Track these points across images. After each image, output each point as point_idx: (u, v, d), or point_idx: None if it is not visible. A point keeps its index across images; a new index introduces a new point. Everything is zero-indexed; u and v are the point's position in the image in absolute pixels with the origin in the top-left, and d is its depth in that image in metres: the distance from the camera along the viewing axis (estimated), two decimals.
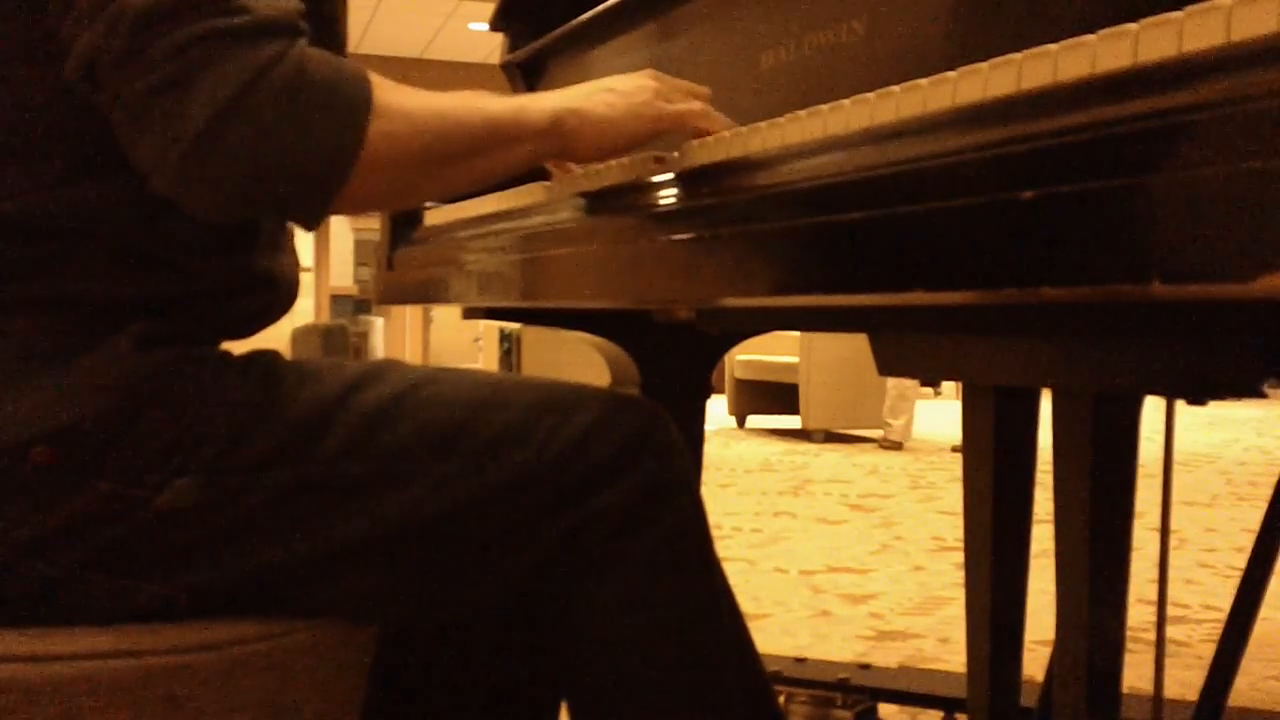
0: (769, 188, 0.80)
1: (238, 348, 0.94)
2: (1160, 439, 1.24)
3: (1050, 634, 0.95)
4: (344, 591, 0.91)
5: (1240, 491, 4.94)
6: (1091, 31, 0.60)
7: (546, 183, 1.15)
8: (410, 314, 11.92)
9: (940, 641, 2.51)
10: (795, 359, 6.93)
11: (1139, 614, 1.25)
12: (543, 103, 0.94)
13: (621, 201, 0.99)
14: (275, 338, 0.88)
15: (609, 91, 0.96)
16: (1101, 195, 0.55)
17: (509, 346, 8.81)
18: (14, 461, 0.82)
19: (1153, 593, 1.23)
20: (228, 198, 0.81)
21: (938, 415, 8.74)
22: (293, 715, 0.89)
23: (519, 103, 0.95)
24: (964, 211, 0.62)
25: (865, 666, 1.77)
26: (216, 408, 0.87)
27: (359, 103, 0.81)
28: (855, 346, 6.29)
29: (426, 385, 0.93)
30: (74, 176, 0.86)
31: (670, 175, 0.94)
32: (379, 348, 11.17)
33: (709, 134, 0.95)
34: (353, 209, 0.88)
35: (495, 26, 1.63)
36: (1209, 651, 1.19)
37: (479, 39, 10.86)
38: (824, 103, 0.79)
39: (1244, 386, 0.77)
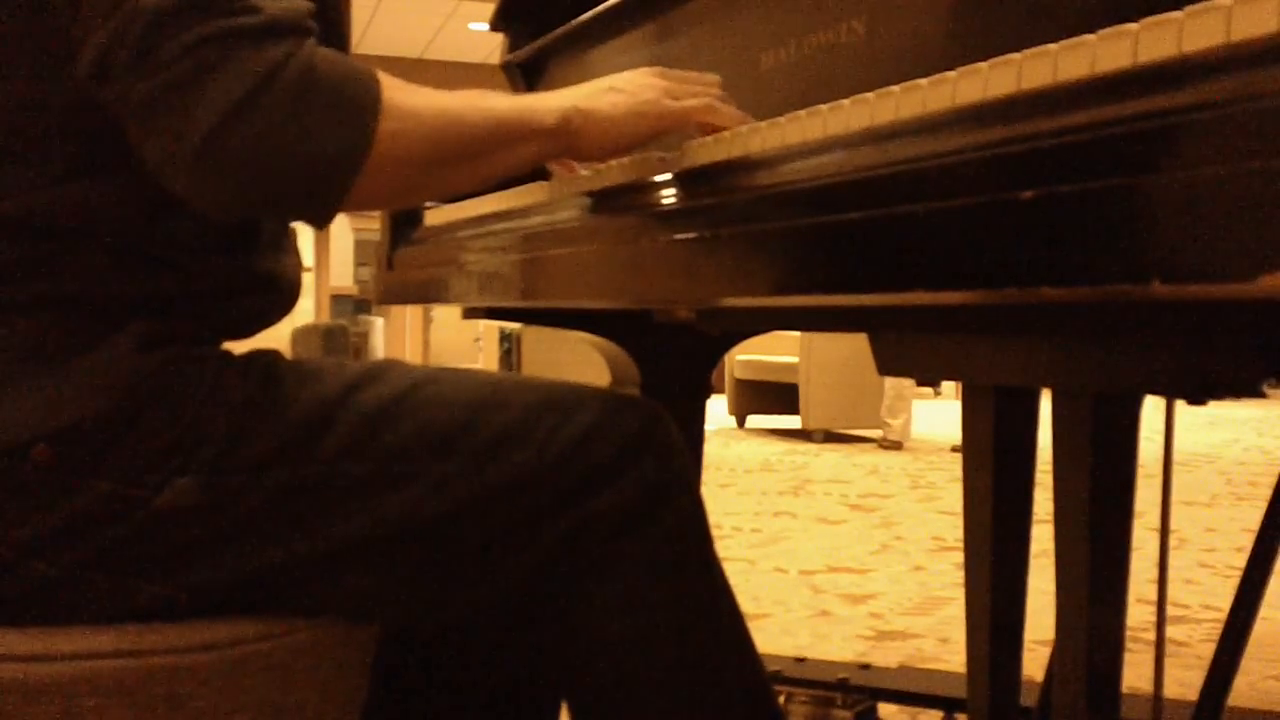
0: (769, 188, 0.80)
1: (238, 348, 0.94)
2: (1160, 439, 1.24)
3: (1050, 634, 0.95)
4: (344, 591, 0.91)
5: (1240, 491, 4.94)
6: (1091, 31, 0.60)
7: (547, 182, 1.16)
8: (410, 314, 11.92)
9: (940, 641, 2.51)
10: (795, 359, 6.93)
11: (1139, 614, 1.25)
12: (548, 102, 0.94)
13: (621, 201, 0.99)
14: (275, 338, 0.88)
15: (614, 90, 0.96)
16: (1101, 195, 0.55)
17: (509, 346, 8.81)
18: (14, 461, 0.82)
19: (1153, 593, 1.23)
20: (238, 196, 0.81)
21: (937, 415, 8.74)
22: (293, 715, 0.89)
23: (525, 102, 0.95)
24: (964, 211, 0.62)
25: (865, 666, 1.77)
26: (217, 407, 0.87)
27: (368, 102, 0.82)
28: (855, 346, 6.29)
29: (427, 385, 0.94)
30: (75, 176, 0.86)
31: (670, 175, 0.94)
32: (379, 348, 11.17)
33: (717, 129, 0.95)
34: (361, 206, 0.88)
35: (495, 26, 1.63)
36: (1209, 651, 1.19)
37: (479, 39, 10.86)
38: (824, 103, 0.79)
39: (1244, 386, 0.77)
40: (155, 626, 0.86)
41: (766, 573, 3.18)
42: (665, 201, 0.93)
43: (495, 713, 1.12)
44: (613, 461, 0.92)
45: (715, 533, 0.99)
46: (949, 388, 11.62)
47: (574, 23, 1.43)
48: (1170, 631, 2.56)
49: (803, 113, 0.81)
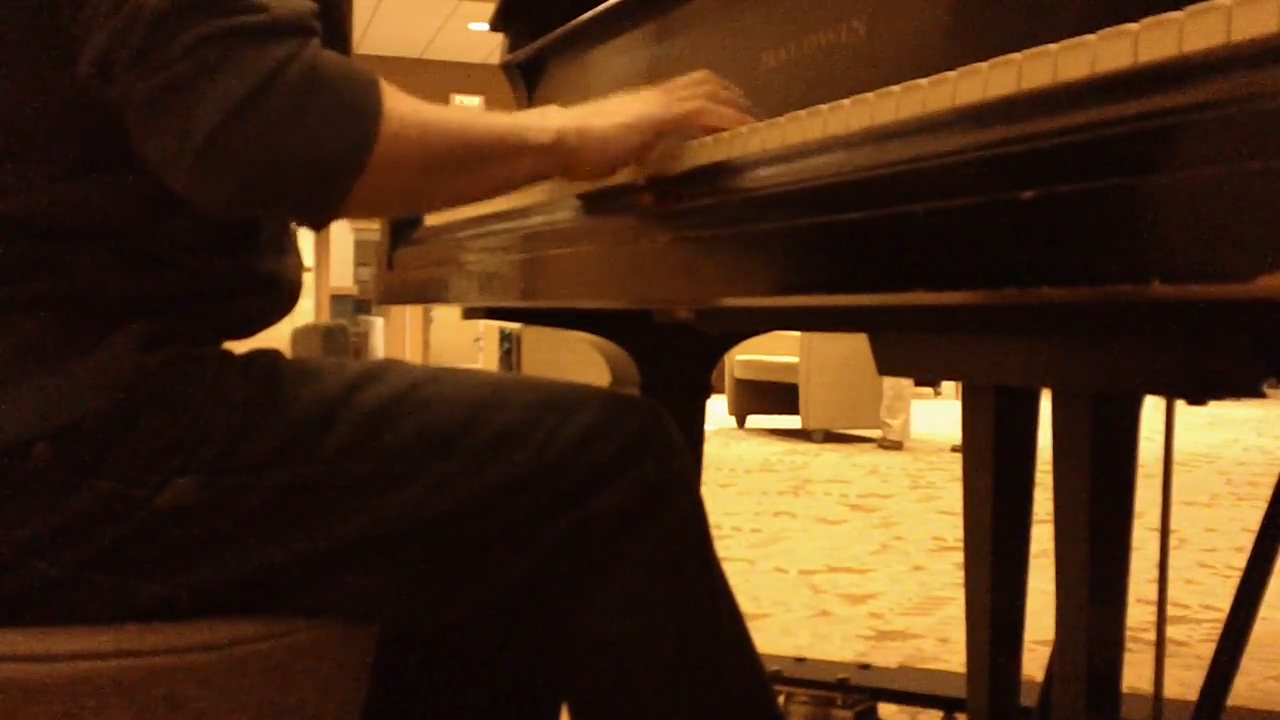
0: (769, 188, 0.80)
1: (239, 348, 0.94)
2: (1160, 439, 1.24)
3: (1050, 634, 0.95)
4: (345, 591, 0.91)
5: (1240, 491, 4.94)
6: (1091, 31, 0.60)
7: (547, 182, 1.15)
8: (410, 314, 11.91)
9: (940, 641, 2.51)
10: (795, 359, 6.93)
11: (1139, 614, 1.25)
12: (545, 120, 0.95)
13: (621, 201, 0.99)
14: (275, 338, 0.88)
15: (609, 109, 0.97)
16: (1101, 195, 0.55)
17: (509, 346, 8.81)
18: (15, 461, 0.82)
19: (1152, 593, 1.23)
20: (240, 195, 0.81)
21: (938, 415, 8.74)
22: (293, 715, 0.89)
23: (522, 120, 0.95)
24: (964, 211, 0.62)
25: (865, 666, 1.77)
26: (217, 407, 0.87)
27: (370, 106, 0.82)
28: (855, 346, 6.30)
29: (427, 384, 0.94)
30: (75, 175, 0.86)
31: (670, 175, 0.94)
32: (379, 348, 11.17)
33: (717, 130, 0.94)
34: (359, 212, 0.88)
35: (495, 26, 1.63)
36: (1208, 651, 1.19)
37: (479, 39, 10.86)
38: (824, 103, 0.79)
39: (1244, 386, 0.77)
40: (155, 626, 0.86)
41: (766, 573, 3.18)
42: (665, 201, 0.93)
43: (495, 713, 1.12)
44: (613, 461, 0.93)
45: (715, 533, 0.99)
46: (949, 388, 11.61)
47: (574, 23, 1.43)
48: (1170, 631, 2.56)
49: (803, 113, 0.81)
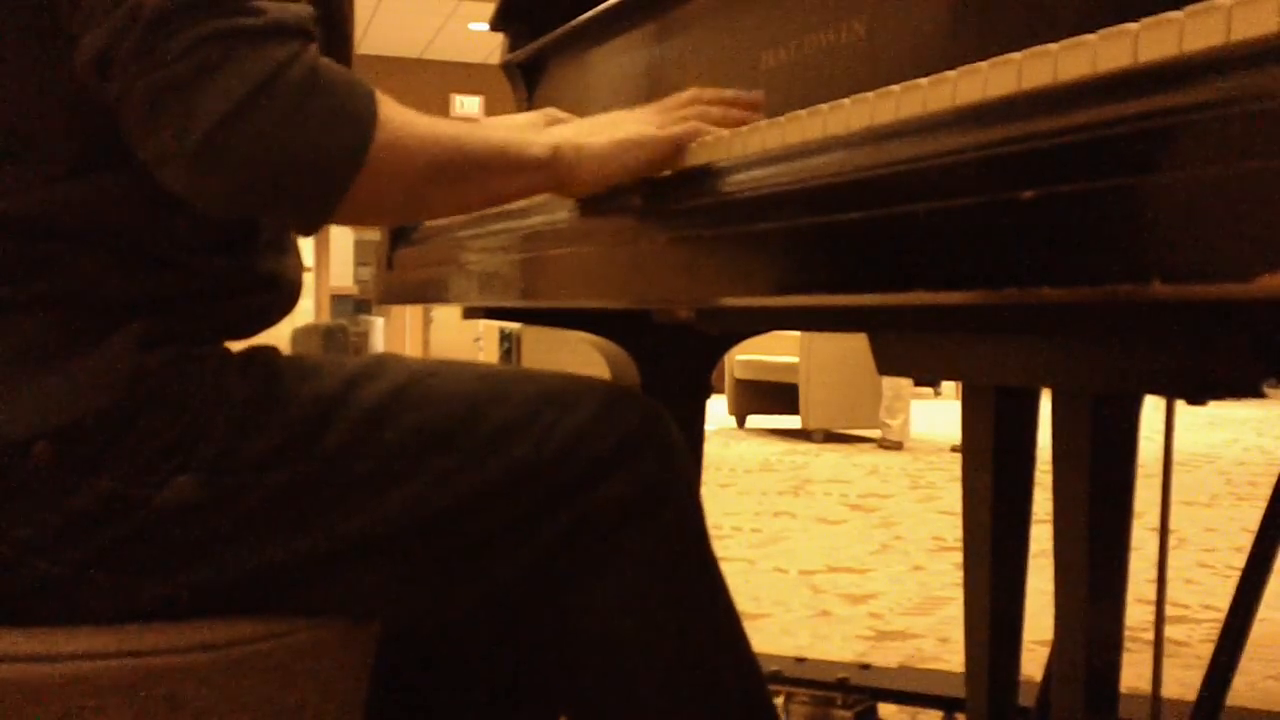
0: (769, 187, 0.80)
1: (237, 347, 0.94)
2: (1160, 439, 1.24)
3: (1049, 634, 0.95)
4: (346, 589, 0.91)
5: (1240, 491, 4.95)
6: (1091, 31, 0.60)
7: None
8: (410, 314, 11.91)
9: (940, 641, 2.51)
10: (795, 359, 6.93)
11: (1138, 614, 1.25)
12: (541, 136, 0.95)
13: (621, 201, 0.99)
14: (275, 337, 0.88)
15: (605, 127, 0.97)
16: (1102, 195, 0.55)
17: (509, 346, 8.82)
18: (15, 459, 0.82)
19: (1152, 593, 1.23)
20: (236, 194, 0.81)
21: (937, 415, 8.74)
22: (293, 715, 0.89)
23: (518, 134, 0.96)
24: (964, 211, 0.62)
25: (865, 666, 1.77)
26: (217, 406, 0.87)
27: (367, 111, 0.82)
28: (855, 346, 6.29)
29: (425, 379, 0.94)
30: (75, 175, 0.86)
31: (670, 175, 0.94)
32: (379, 348, 11.17)
33: None
34: (354, 219, 0.88)
35: (495, 26, 1.63)
36: (1208, 651, 1.19)
37: (479, 39, 10.85)
38: (824, 103, 0.79)
39: (1244, 386, 0.77)
40: (155, 626, 0.86)
41: (766, 573, 3.18)
42: (665, 201, 0.93)
43: (495, 713, 1.12)
44: (612, 455, 0.93)
45: (715, 533, 0.99)
46: (949, 388, 11.61)
47: (574, 23, 1.44)
48: (1169, 631, 2.56)
49: (803, 113, 0.81)
